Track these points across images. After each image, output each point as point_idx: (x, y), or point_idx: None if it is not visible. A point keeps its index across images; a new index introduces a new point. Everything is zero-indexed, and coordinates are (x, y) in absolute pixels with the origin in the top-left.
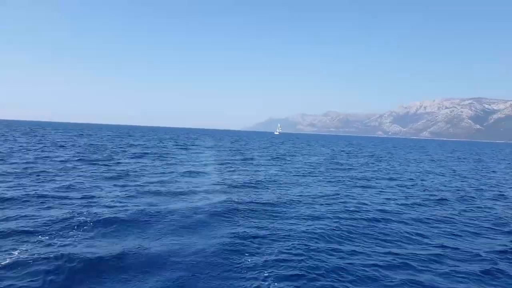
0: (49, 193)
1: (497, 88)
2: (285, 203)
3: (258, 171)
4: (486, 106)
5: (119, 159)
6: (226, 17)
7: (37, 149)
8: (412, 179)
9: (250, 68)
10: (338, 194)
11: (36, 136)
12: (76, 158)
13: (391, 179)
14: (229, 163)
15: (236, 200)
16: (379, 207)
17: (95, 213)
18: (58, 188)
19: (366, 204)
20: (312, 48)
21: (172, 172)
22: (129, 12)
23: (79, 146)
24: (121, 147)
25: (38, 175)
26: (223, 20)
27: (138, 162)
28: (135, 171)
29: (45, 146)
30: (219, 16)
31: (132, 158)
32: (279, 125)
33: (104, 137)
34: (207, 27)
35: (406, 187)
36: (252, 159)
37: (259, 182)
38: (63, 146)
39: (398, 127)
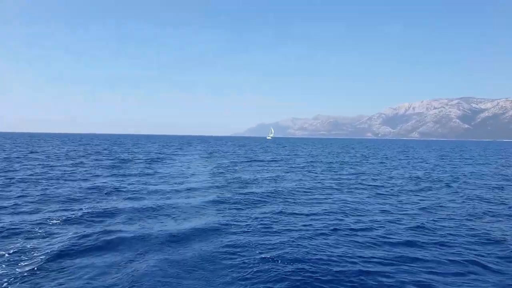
0: None
1: (484, 87)
2: None
3: None
4: (474, 105)
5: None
6: (213, 26)
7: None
8: None
9: (238, 73)
10: None
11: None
12: None
13: None
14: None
15: None
16: None
17: None
18: None
19: None
20: (300, 52)
21: None
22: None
23: None
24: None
25: None
26: (210, 30)
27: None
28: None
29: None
30: (206, 26)
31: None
32: (271, 129)
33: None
34: (193, 39)
35: None
36: None
37: None
38: None
39: (387, 129)
